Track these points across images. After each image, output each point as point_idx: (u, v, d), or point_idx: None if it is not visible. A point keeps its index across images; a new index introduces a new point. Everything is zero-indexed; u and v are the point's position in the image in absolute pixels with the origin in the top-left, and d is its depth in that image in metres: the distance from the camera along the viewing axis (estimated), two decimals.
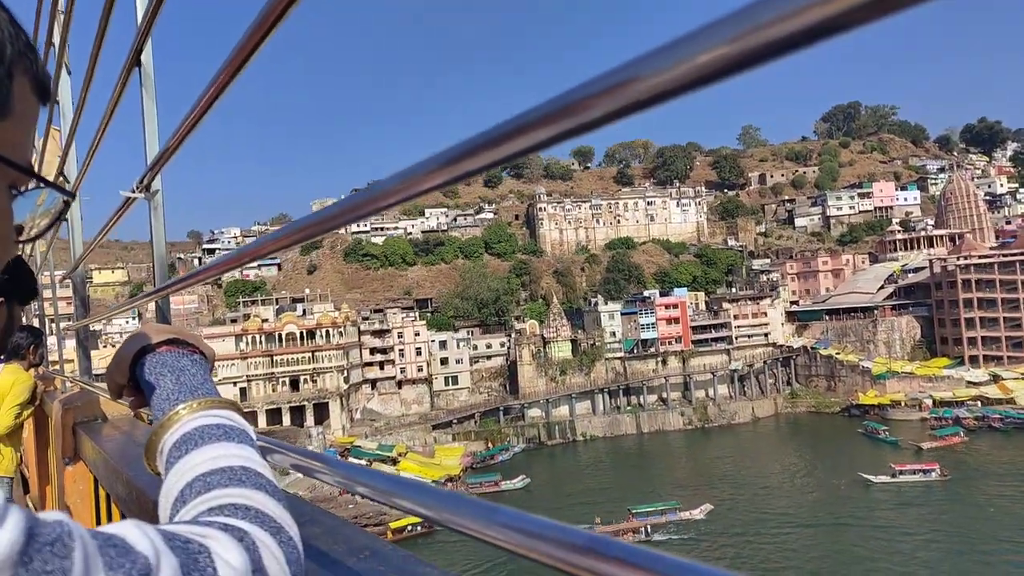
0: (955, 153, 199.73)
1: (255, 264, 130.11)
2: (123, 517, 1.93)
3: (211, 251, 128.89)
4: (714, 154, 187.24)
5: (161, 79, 2.54)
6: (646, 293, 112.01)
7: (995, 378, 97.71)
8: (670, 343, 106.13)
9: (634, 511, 61.24)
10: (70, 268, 4.26)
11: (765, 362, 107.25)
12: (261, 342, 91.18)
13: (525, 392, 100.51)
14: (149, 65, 2.42)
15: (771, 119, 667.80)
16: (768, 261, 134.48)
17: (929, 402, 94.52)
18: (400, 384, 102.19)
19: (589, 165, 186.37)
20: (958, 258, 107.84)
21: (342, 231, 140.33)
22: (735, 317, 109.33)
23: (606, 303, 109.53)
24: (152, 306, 2.47)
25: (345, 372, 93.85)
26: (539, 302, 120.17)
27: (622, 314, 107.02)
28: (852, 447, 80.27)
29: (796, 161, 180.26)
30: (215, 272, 1.68)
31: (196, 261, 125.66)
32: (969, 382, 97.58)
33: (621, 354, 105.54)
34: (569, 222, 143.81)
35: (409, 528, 58.98)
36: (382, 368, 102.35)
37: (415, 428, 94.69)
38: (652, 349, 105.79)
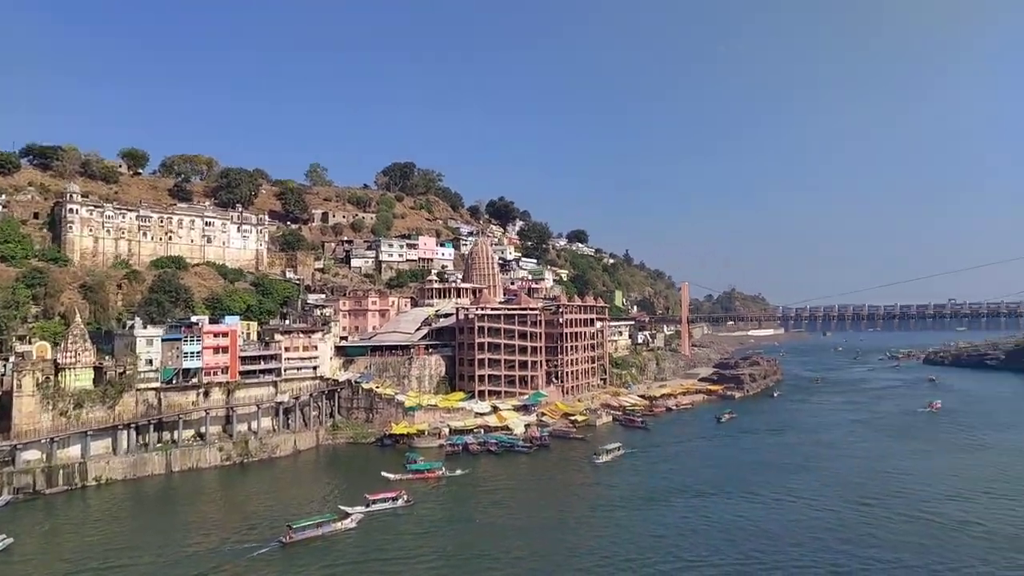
0: (481, 221, 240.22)
1: None
2: None
3: None
4: (281, 185, 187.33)
5: None
6: (194, 318, 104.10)
7: (495, 409, 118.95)
8: (216, 373, 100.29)
9: (294, 526, 62.69)
10: None
11: (311, 395, 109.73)
12: None
13: (21, 430, 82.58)
14: None
15: (339, 162, 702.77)
16: (324, 296, 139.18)
17: (447, 430, 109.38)
18: None
19: (141, 171, 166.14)
20: (477, 308, 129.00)
21: None
22: (286, 349, 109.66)
23: (145, 327, 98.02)
24: None
25: None
26: (56, 320, 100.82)
27: (164, 340, 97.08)
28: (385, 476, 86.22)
29: (357, 205, 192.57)
30: None
31: None
32: (477, 413, 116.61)
33: (158, 384, 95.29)
34: (109, 231, 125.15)
35: None
36: None
37: None
38: (195, 379, 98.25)
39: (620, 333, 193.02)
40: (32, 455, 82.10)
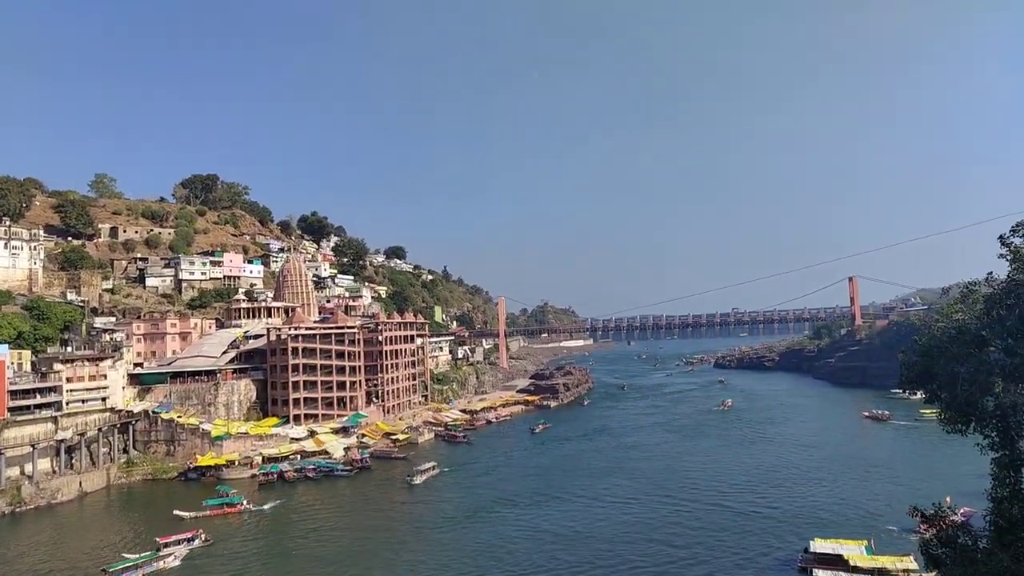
0: (293, 237, 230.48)
1: None
2: None
3: None
4: (60, 197, 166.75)
5: None
6: None
7: (312, 433, 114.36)
8: None
9: (110, 570, 57.86)
10: None
11: (100, 429, 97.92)
12: None
13: None
14: None
15: (130, 173, 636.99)
16: (114, 320, 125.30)
17: (259, 459, 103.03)
18: None
19: None
20: (290, 328, 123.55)
21: None
22: (69, 380, 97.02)
23: None
24: None
25: None
26: None
27: None
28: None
29: (152, 220, 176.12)
30: None
31: None
32: (293, 438, 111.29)
33: None
34: None
35: None
36: None
37: None
38: None
39: (440, 349, 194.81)
40: None
